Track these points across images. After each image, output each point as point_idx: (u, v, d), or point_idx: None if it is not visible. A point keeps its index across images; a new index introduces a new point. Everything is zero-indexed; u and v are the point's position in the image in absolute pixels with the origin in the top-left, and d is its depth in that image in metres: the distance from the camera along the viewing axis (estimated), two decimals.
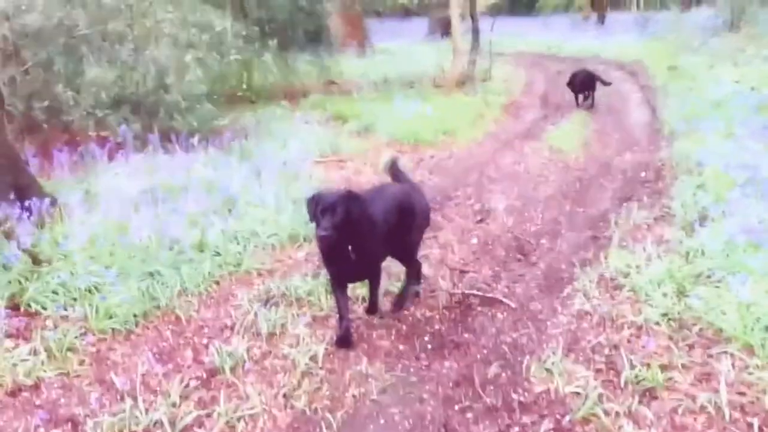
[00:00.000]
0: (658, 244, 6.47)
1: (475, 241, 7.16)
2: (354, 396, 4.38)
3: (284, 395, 4.40)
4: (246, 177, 8.50)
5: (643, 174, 9.43)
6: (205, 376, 4.66)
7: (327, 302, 5.59)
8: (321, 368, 4.69)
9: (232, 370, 4.68)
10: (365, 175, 9.76)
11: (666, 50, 21.63)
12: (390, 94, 14.95)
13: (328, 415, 4.16)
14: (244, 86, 13.63)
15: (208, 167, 8.77)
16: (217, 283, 6.18)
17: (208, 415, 4.19)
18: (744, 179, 7.63)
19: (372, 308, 5.48)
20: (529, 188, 8.97)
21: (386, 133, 11.84)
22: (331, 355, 4.88)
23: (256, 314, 5.37)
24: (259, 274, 6.40)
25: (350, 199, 4.84)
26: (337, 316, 5.15)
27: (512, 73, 20.21)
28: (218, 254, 6.55)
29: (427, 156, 10.89)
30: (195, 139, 9.50)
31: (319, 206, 4.78)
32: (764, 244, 5.72)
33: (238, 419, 4.14)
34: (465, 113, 13.82)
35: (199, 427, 4.10)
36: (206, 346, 5.06)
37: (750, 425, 3.82)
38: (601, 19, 35.44)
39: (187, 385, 4.52)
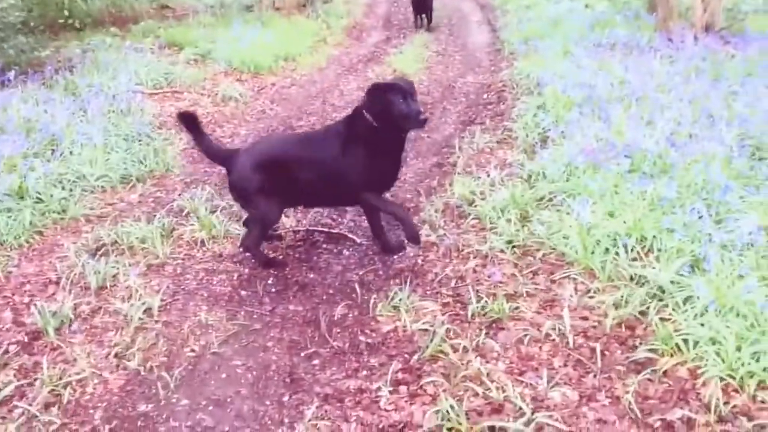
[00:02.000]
0: (501, 169, 6.46)
1: None
2: (193, 350, 4.12)
3: (116, 355, 4.06)
4: (71, 114, 7.88)
5: (485, 96, 9.44)
6: (26, 339, 4.25)
7: (163, 249, 5.25)
8: (157, 322, 4.38)
9: (57, 330, 4.29)
10: (203, 106, 9.28)
11: None
12: (228, 18, 14.27)
13: (164, 373, 3.87)
14: (66, 13, 12.58)
15: (27, 105, 8.05)
16: (40, 233, 5.69)
17: (30, 384, 3.83)
18: (581, 99, 7.75)
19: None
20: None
21: (224, 61, 11.28)
22: (168, 307, 4.57)
23: (83, 266, 4.96)
24: (88, 221, 5.95)
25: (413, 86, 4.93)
26: (397, 218, 5.04)
27: None
28: (40, 201, 6.03)
29: (268, 84, 10.49)
30: (11, 74, 8.71)
31: (407, 93, 4.71)
32: (602, 165, 5.79)
33: (65, 386, 3.79)
34: (307, 38, 13.39)
35: (21, 398, 3.73)
36: (28, 306, 4.62)
37: (593, 350, 3.84)
38: None
39: (6, 351, 4.11)
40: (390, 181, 5.08)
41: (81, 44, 11.74)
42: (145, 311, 4.45)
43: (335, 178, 4.87)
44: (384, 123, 4.72)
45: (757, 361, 3.50)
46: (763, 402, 3.35)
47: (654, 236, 4.74)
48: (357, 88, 10.10)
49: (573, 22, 12.70)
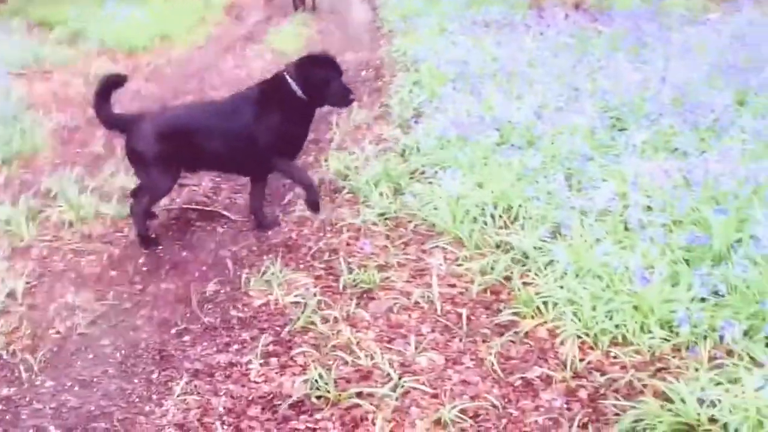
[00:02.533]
0: (377, 144, 6.53)
1: None
2: (59, 332, 4.01)
3: None
4: None
5: (363, 73, 9.51)
6: None
7: (28, 231, 5.08)
8: (21, 305, 4.24)
9: None
10: (74, 87, 8.98)
11: None
12: None
13: (27, 356, 3.77)
14: None
15: None
16: None
17: None
18: (455, 75, 7.91)
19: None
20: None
21: (97, 40, 10.95)
22: (33, 290, 4.44)
23: None
24: None
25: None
26: (303, 185, 5.20)
27: None
28: None
29: (143, 63, 10.24)
30: None
31: (340, 70, 4.95)
32: (472, 137, 5.93)
33: None
34: (185, 16, 13.15)
35: None
36: None
37: (459, 316, 3.97)
38: None
39: None
40: (299, 149, 5.22)
41: None
42: (8, 294, 4.30)
43: (245, 145, 4.91)
44: (312, 96, 4.81)
45: (611, 319, 3.69)
46: (615, 357, 3.54)
47: (519, 205, 4.91)
48: (235, 67, 10.01)
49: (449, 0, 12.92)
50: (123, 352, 3.85)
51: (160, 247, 5.01)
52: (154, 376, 3.63)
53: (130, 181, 5.89)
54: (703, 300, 3.74)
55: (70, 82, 9.22)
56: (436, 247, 4.70)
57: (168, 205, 5.63)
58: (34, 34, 11.49)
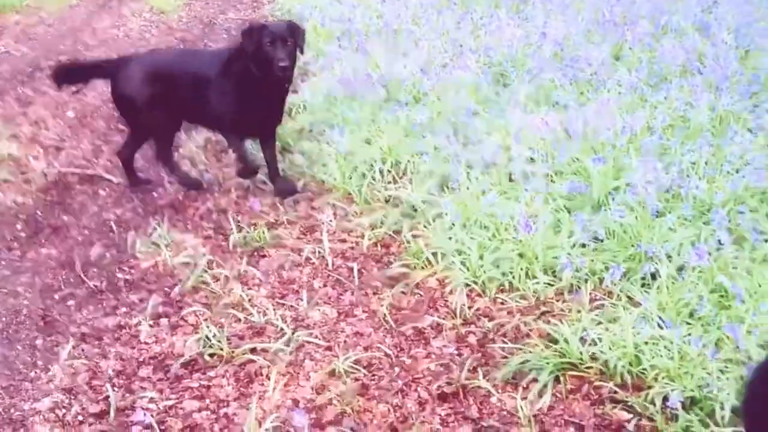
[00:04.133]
0: None
1: (71, 114, 6.57)
2: None
3: None
4: None
5: None
6: None
7: None
8: None
9: None
10: None
11: None
12: None
13: None
14: None
15: None
16: None
17: None
18: (340, 32, 7.87)
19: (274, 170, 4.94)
20: (129, 53, 8.39)
21: None
22: None
23: None
24: None
25: (299, 30, 4.68)
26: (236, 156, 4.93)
27: None
28: None
29: (11, 23, 9.70)
30: None
31: (267, 36, 4.40)
32: (359, 95, 5.93)
33: None
34: None
35: None
36: None
37: (351, 270, 3.99)
38: None
39: None
40: (256, 127, 4.88)
41: None
42: None
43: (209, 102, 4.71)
44: (254, 65, 4.50)
45: (497, 267, 3.79)
46: (502, 303, 3.65)
47: (408, 160, 4.96)
48: (111, 26, 9.61)
49: None
50: (4, 319, 3.69)
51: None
52: (39, 342, 3.51)
53: (3, 146, 5.66)
54: (583, 246, 3.88)
55: None
56: (327, 204, 4.69)
57: (44, 169, 5.40)
58: None
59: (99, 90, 7.05)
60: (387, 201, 4.63)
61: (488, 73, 6.34)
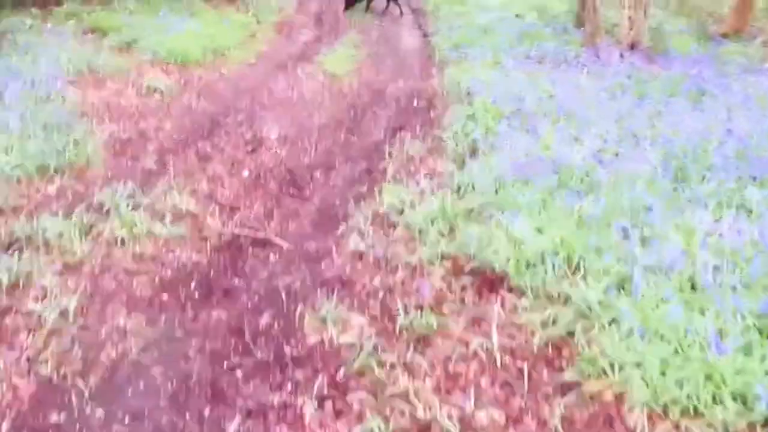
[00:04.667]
0: (431, 178, 6.45)
1: (246, 174, 6.79)
2: (110, 356, 3.95)
3: (27, 359, 3.87)
4: None
5: (415, 102, 9.43)
6: None
7: (81, 246, 5.04)
8: (73, 325, 4.19)
9: None
10: (127, 97, 9.00)
11: None
12: (155, 5, 13.87)
13: (78, 380, 3.70)
14: None
15: None
16: None
17: None
18: (510, 111, 7.81)
19: None
20: (303, 115, 8.67)
21: (150, 50, 10.95)
22: (85, 309, 4.38)
23: None
24: (1, 213, 5.66)
25: None
26: None
27: None
28: None
29: (195, 78, 10.24)
30: None
31: None
32: (532, 179, 5.82)
33: None
34: (236, 31, 13.17)
35: None
36: None
37: (520, 370, 3.84)
38: None
39: None
40: None
41: None
42: (60, 313, 4.24)
43: None
44: None
45: (681, 388, 3.54)
46: (687, 430, 3.39)
47: (581, 255, 4.78)
48: (286, 87, 9.97)
49: (503, 31, 12.85)
50: (174, 383, 3.77)
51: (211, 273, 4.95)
52: (207, 412, 3.54)
53: (183, 201, 5.88)
54: None
55: (122, 91, 9.23)
56: (495, 294, 4.58)
57: (220, 230, 5.57)
58: (87, 40, 11.54)
59: (273, 151, 7.29)
60: (559, 298, 4.45)
61: (666, 166, 6.09)
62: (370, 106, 9.31)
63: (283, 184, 6.60)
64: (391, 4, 16.29)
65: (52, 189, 6.20)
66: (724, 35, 12.84)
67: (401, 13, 15.88)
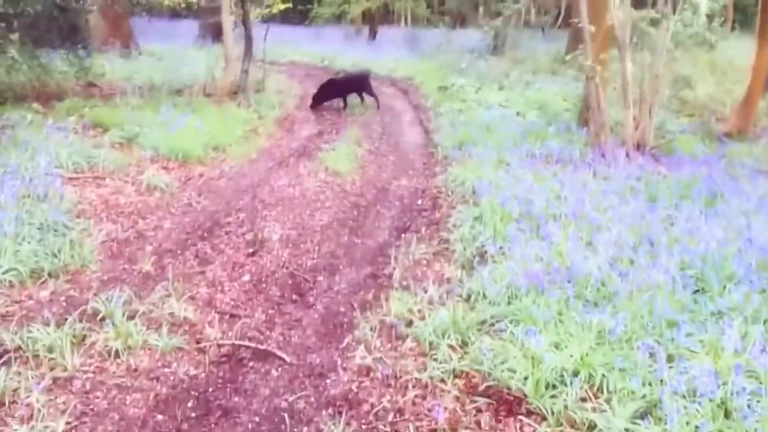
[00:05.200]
0: (439, 284, 6.19)
1: (247, 278, 6.55)
2: None
3: None
4: None
5: (419, 202, 9.25)
6: None
7: (72, 359, 4.75)
8: None
9: None
10: (126, 195, 8.82)
11: (436, 70, 22.08)
12: (157, 101, 13.88)
13: None
14: None
15: None
16: None
17: None
18: (519, 213, 7.62)
19: None
20: (305, 215, 8.48)
21: (151, 147, 10.83)
22: (73, 431, 4.07)
23: None
24: None
25: None
26: None
27: (286, 84, 19.65)
28: None
29: (195, 174, 10.09)
30: None
31: None
32: (545, 288, 5.59)
33: None
34: (237, 127, 13.10)
35: None
36: None
37: None
38: (373, 34, 35.73)
39: None
40: None
41: None
42: None
43: None
44: None
45: None
46: None
47: (604, 375, 4.50)
48: (288, 184, 9.79)
49: (505, 129, 12.79)
50: None
51: (210, 390, 4.64)
52: None
53: (181, 308, 5.63)
54: None
55: (122, 189, 9.05)
56: (513, 418, 4.28)
57: (219, 339, 5.29)
58: (88, 135, 11.44)
59: (275, 253, 7.06)
60: (583, 424, 4.15)
61: (685, 276, 5.85)
62: (374, 204, 9.13)
63: (285, 289, 6.35)
64: (365, 96, 16.49)
65: (45, 294, 5.96)
66: (728, 135, 12.79)
67: (378, 105, 16.09)
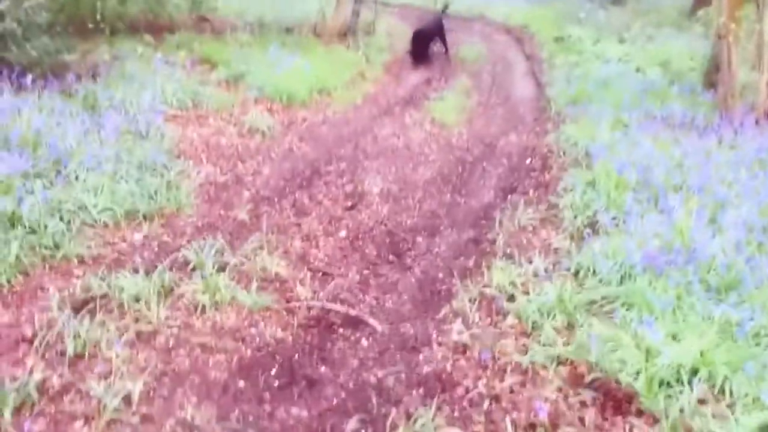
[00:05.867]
0: (545, 255, 5.78)
1: (343, 233, 6.28)
2: None
3: None
4: (84, 130, 7.29)
5: (528, 161, 8.75)
6: None
7: (158, 312, 4.60)
8: (134, 414, 3.71)
9: (16, 412, 3.63)
10: (228, 136, 8.66)
11: (552, 18, 21.09)
12: (266, 39, 13.66)
13: None
14: (98, 16, 11.94)
15: (40, 114, 7.45)
16: (26, 273, 5.05)
17: None
18: (636, 182, 7.07)
19: None
20: (408, 169, 8.13)
21: (256, 87, 10.65)
22: (151, 393, 3.91)
23: (64, 324, 4.29)
24: (81, 263, 5.31)
25: None
26: None
27: (397, 27, 19.12)
28: (33, 232, 5.41)
29: (299, 118, 9.86)
30: (28, 78, 8.09)
31: None
32: (664, 270, 5.10)
33: None
34: (344, 70, 12.78)
35: None
36: None
37: None
38: None
39: None
40: None
41: (110, 51, 11.16)
42: (123, 398, 3.78)
43: None
44: None
45: None
46: None
47: (727, 377, 4.04)
48: (392, 134, 9.45)
49: (624, 86, 12.04)
50: None
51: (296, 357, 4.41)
52: None
53: (273, 262, 5.41)
54: None
55: (224, 130, 8.91)
56: (621, 417, 3.88)
57: (309, 301, 5.05)
58: (196, 72, 11.35)
59: (374, 208, 6.77)
60: None
61: None
62: (480, 161, 8.69)
63: (382, 248, 6.07)
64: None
65: (138, 238, 5.85)
66: None
67: (448, 55, 15.35)
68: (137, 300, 4.71)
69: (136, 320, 4.55)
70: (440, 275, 5.62)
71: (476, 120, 10.70)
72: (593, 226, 6.34)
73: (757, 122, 9.58)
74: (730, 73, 10.13)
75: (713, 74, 11.50)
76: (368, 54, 14.43)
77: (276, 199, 6.88)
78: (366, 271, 5.64)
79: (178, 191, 6.62)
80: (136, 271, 5.09)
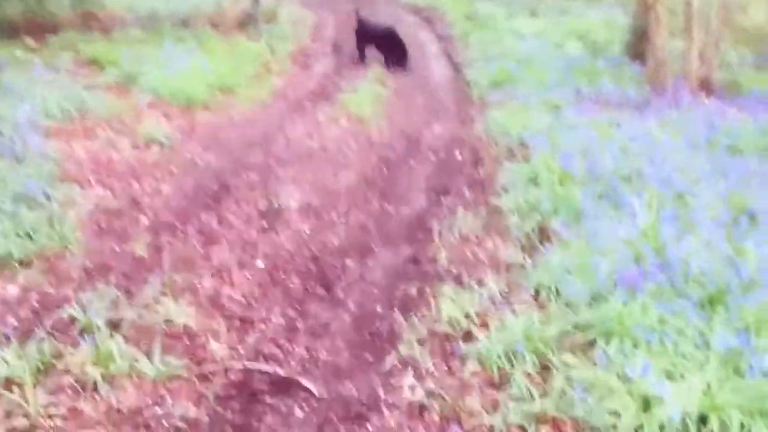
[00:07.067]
0: (497, 273, 5.02)
1: (261, 264, 5.37)
2: None
3: None
4: None
5: (458, 155, 7.97)
6: None
7: (36, 400, 3.62)
8: None
9: None
10: (120, 150, 7.61)
11: None
12: (160, 34, 12.57)
13: None
14: None
15: None
16: None
17: None
18: (583, 174, 6.36)
19: None
20: (328, 174, 7.23)
21: (150, 89, 9.58)
22: None
23: None
24: None
25: None
26: None
27: (300, 13, 18.08)
28: None
29: (200, 123, 8.84)
30: None
31: None
32: (641, 288, 4.37)
33: None
34: (247, 64, 11.77)
35: None
36: None
37: None
38: None
39: None
40: None
41: None
42: None
43: None
44: None
45: None
46: None
47: (743, 425, 3.33)
48: (306, 134, 8.54)
49: (546, 63, 11.44)
50: None
51: None
52: None
53: (179, 311, 4.49)
54: None
55: (115, 142, 7.84)
56: None
57: (227, 359, 4.14)
58: (81, 75, 10.23)
59: (293, 227, 5.89)
60: None
61: None
62: (405, 159, 7.88)
63: (307, 279, 5.18)
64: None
65: (12, 290, 4.83)
66: None
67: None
68: (9, 387, 3.71)
69: (8, 415, 3.56)
70: (378, 309, 4.78)
71: (395, 111, 9.86)
72: (543, 231, 5.61)
73: (691, 93, 9.07)
74: (659, 44, 9.58)
75: (637, 45, 11.04)
76: (272, 44, 13.42)
77: (179, 225, 5.92)
78: (292, 312, 4.74)
79: (62, 225, 5.58)
80: (8, 339, 4.08)
